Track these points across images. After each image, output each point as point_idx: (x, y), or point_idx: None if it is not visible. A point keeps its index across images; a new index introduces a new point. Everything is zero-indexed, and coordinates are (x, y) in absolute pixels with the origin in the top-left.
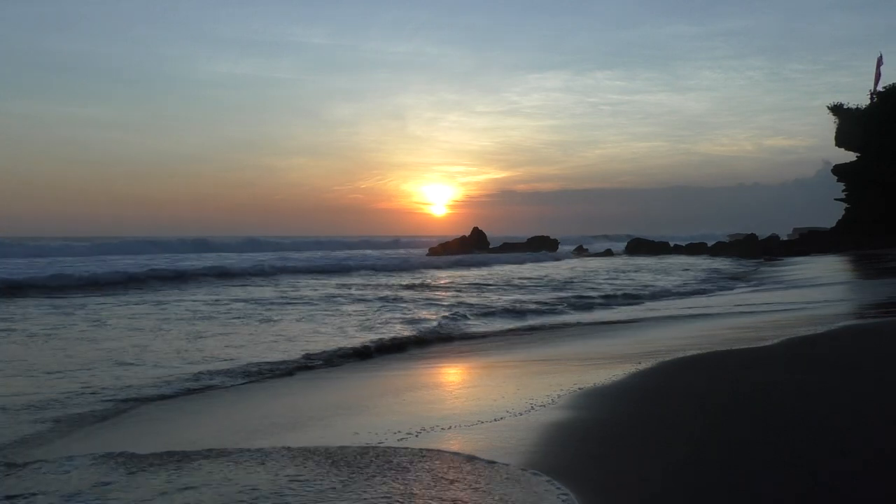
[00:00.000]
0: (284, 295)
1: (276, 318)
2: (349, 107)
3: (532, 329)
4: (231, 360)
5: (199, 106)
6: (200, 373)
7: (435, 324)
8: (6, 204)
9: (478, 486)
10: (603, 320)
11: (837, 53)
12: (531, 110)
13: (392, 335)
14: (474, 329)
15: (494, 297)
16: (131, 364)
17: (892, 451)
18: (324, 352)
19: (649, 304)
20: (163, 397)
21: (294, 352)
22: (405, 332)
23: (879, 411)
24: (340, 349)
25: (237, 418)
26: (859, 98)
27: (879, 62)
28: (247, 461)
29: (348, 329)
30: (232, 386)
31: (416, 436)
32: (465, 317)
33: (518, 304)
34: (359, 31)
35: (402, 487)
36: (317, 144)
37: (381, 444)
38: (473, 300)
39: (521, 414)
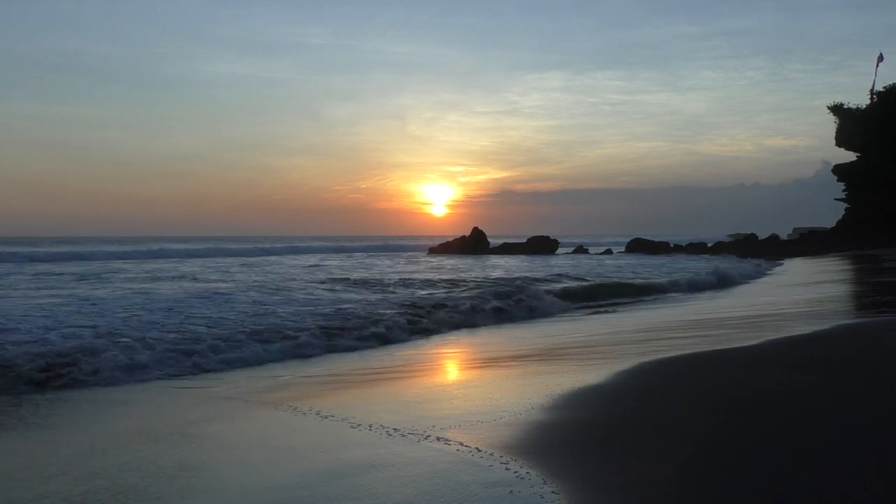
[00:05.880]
0: None
1: None
2: (349, 107)
3: None
4: None
5: (198, 106)
6: None
7: None
8: (6, 204)
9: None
10: None
11: (837, 53)
12: (531, 110)
13: None
14: None
15: None
16: None
17: (892, 450)
18: None
19: None
20: None
21: None
22: None
23: (881, 411)
24: None
25: None
26: (859, 98)
27: (880, 60)
28: None
29: None
30: None
31: (415, 436)
32: None
33: None
34: (359, 31)
35: None
36: (317, 144)
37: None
38: None
39: (520, 414)
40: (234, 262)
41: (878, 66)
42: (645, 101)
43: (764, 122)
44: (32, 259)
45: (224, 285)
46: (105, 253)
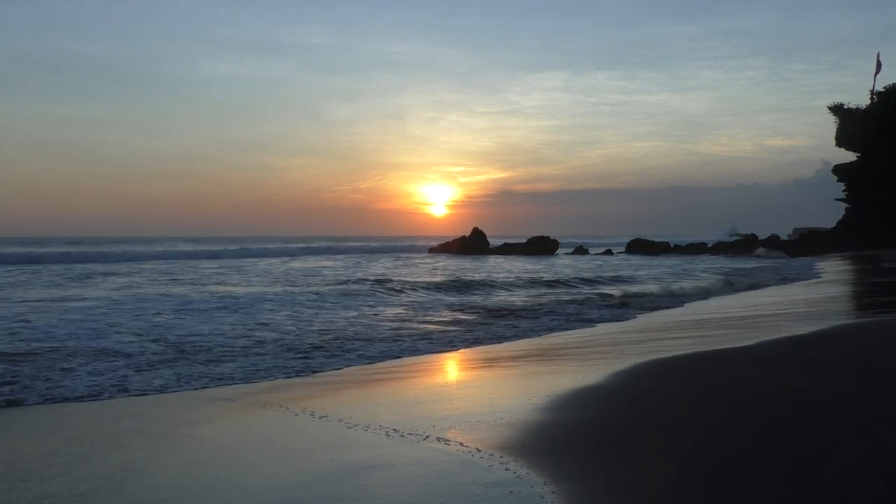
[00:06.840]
0: None
1: None
2: (349, 107)
3: None
4: None
5: (199, 106)
6: None
7: None
8: (6, 204)
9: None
10: None
11: (837, 53)
12: (531, 110)
13: None
14: None
15: None
16: None
17: (892, 450)
18: None
19: None
20: None
21: None
22: None
23: (881, 411)
24: None
25: None
26: (859, 98)
27: (878, 62)
28: None
29: None
30: None
31: (415, 436)
32: None
33: None
34: (359, 31)
35: None
36: (317, 144)
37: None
38: None
39: (520, 414)
40: (272, 263)
41: (877, 69)
42: (645, 101)
43: (764, 122)
44: (32, 260)
45: (295, 289)
46: (116, 254)
